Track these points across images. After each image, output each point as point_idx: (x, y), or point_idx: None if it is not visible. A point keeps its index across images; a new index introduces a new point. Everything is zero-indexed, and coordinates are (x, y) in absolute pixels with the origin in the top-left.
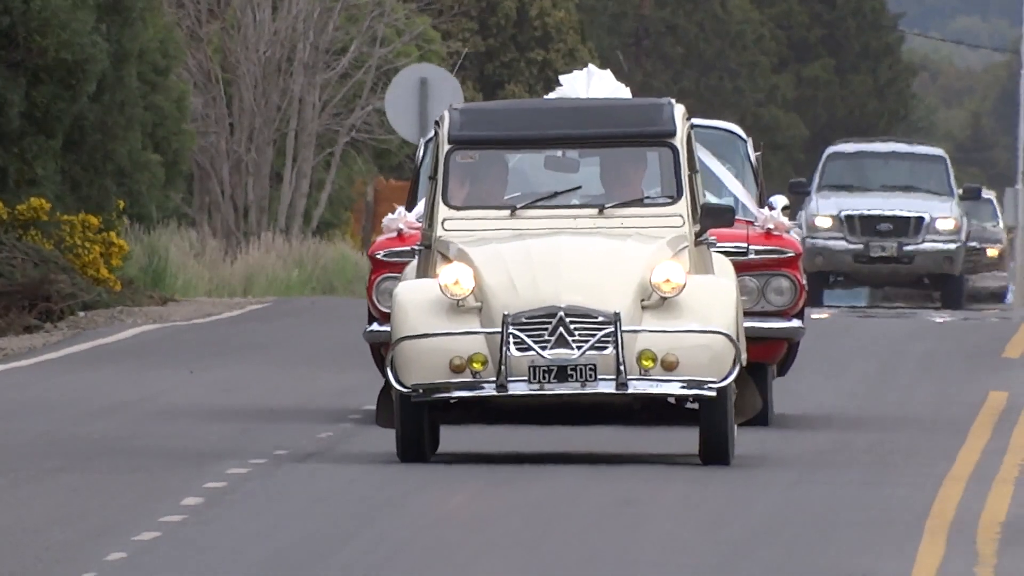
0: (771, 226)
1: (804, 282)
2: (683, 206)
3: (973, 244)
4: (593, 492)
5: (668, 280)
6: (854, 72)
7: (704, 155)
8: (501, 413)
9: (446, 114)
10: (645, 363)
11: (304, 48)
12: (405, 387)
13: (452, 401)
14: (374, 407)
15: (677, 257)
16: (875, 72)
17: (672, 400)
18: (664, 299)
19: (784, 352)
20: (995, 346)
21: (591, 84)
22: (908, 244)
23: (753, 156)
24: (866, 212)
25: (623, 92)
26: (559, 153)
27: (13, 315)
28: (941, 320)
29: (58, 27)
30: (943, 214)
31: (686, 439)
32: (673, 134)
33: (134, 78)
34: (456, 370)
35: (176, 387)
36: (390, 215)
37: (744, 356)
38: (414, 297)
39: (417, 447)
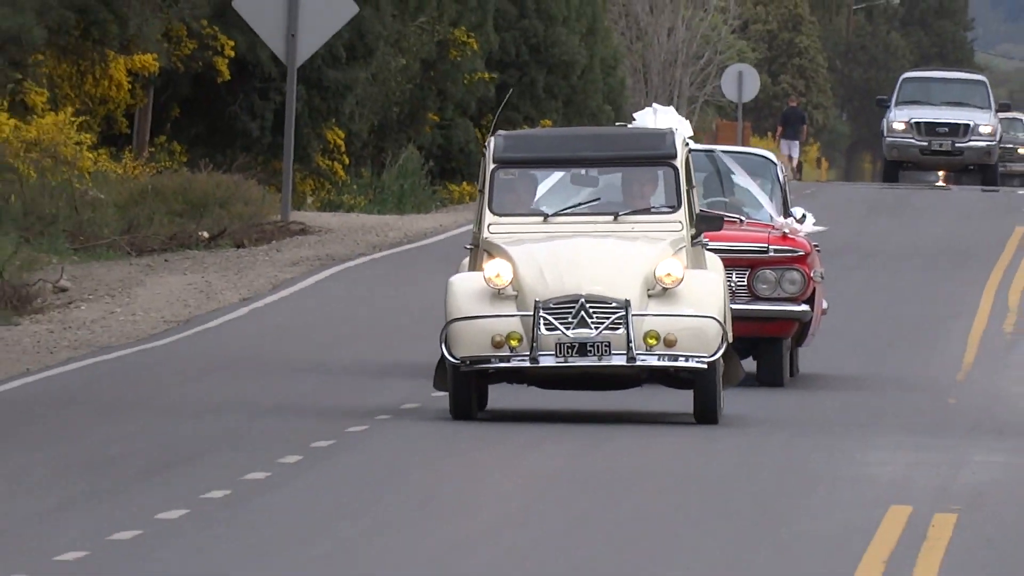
0: (787, 231)
1: (812, 274)
2: (682, 214)
3: (1009, 145)
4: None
5: (669, 274)
6: None
7: (742, 177)
8: (533, 380)
9: (491, 140)
10: (650, 341)
11: (683, 52)
12: (455, 359)
13: (492, 371)
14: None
15: (677, 256)
16: None
17: (671, 371)
18: (666, 290)
19: (796, 329)
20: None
21: (657, 118)
22: (959, 142)
23: (782, 176)
24: (929, 119)
25: (684, 124)
26: (582, 171)
27: None
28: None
29: None
30: (984, 122)
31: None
32: (674, 156)
33: None
34: (496, 346)
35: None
36: None
37: (731, 335)
38: (464, 286)
39: (466, 408)
